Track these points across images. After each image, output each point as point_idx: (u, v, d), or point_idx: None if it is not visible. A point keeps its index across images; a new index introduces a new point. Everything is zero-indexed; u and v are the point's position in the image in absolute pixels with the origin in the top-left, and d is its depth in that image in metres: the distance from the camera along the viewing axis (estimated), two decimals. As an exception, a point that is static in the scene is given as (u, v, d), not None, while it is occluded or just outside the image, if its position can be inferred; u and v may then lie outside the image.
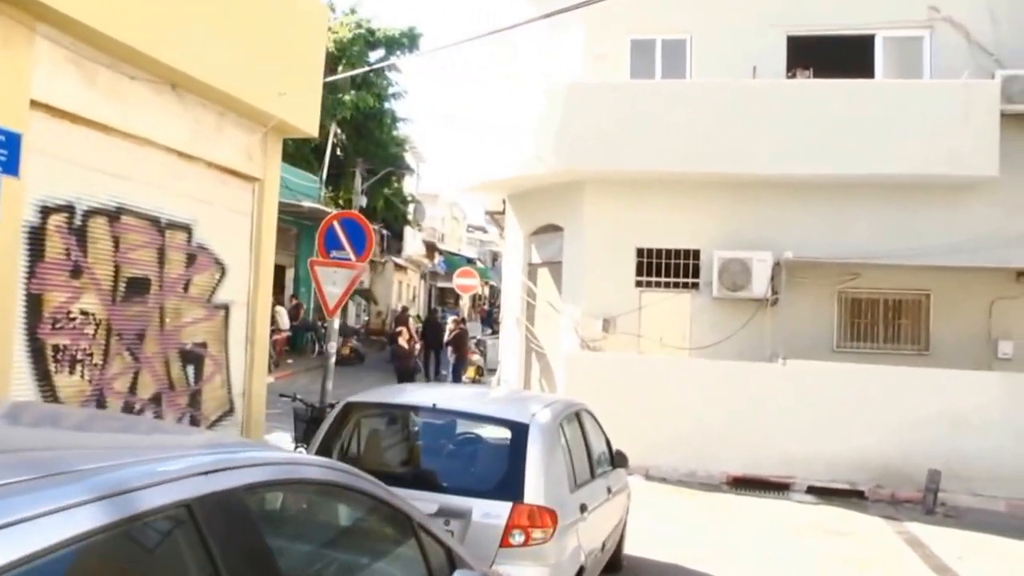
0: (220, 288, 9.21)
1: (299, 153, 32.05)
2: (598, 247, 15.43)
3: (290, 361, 25.41)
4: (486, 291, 57.49)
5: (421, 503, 5.74)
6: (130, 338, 7.78)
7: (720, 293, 14.50)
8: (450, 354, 19.70)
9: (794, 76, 15.26)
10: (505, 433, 6.38)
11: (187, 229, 8.61)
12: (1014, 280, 14.25)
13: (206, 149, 8.78)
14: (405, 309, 34.46)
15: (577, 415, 7.57)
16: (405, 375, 17.87)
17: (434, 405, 6.54)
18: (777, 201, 14.76)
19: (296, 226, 28.21)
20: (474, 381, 20.40)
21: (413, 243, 43.61)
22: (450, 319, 20.84)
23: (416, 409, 6.97)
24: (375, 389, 8.34)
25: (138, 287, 7.87)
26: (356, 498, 3.29)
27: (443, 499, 5.78)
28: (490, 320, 41.54)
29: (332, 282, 9.90)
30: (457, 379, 19.13)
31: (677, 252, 15.20)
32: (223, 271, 9.24)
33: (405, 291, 46.06)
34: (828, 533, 11.00)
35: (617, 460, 8.32)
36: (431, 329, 24.96)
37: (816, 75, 14.99)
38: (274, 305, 26.62)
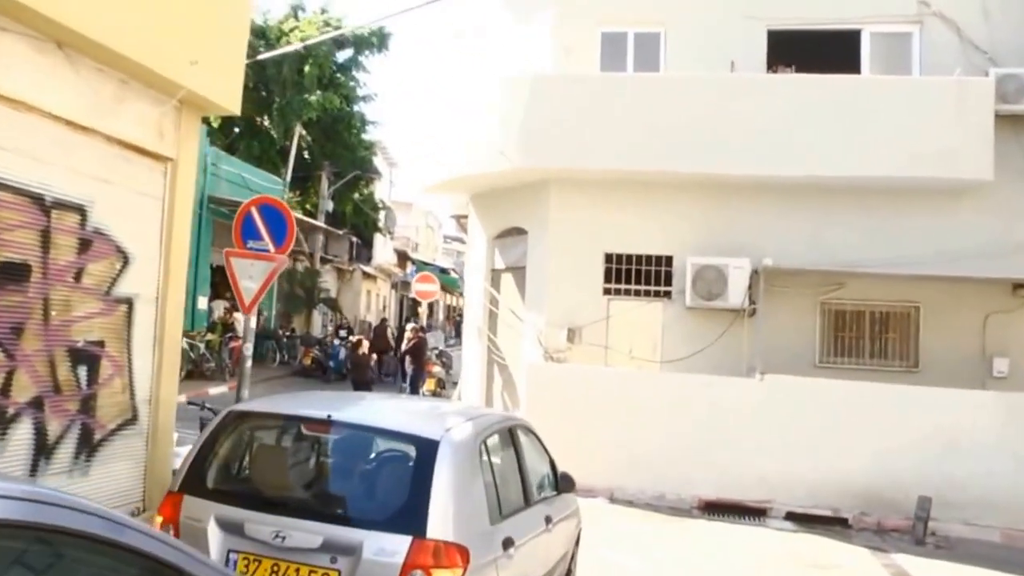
0: (121, 279, 8.07)
1: (265, 155, 31.14)
2: (564, 252, 14.44)
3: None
4: (461, 302, 56.51)
5: (303, 535, 4.71)
6: (3, 332, 6.69)
7: (694, 302, 13.51)
8: (407, 365, 18.55)
9: (775, 72, 14.31)
10: (410, 451, 5.32)
11: (80, 210, 7.49)
12: (1010, 292, 13.31)
13: (104, 121, 7.66)
14: (384, 320, 33.58)
15: (510, 432, 6.53)
16: (361, 386, 16.85)
17: (328, 417, 5.45)
18: (756, 205, 13.80)
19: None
20: (434, 394, 19.36)
21: (384, 251, 42.59)
22: (408, 327, 19.64)
23: (307, 421, 5.82)
24: (269, 396, 7.31)
25: (14, 273, 6.76)
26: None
27: (330, 531, 4.75)
28: (460, 330, 40.65)
29: (248, 276, 8.80)
30: (414, 392, 18.02)
31: (648, 258, 14.22)
32: (125, 260, 8.11)
33: (374, 301, 44.95)
34: (809, 566, 10.00)
35: (562, 484, 7.21)
36: (378, 338, 24.74)
37: (798, 72, 14.06)
38: (232, 311, 25.76)
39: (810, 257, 13.25)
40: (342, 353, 24.64)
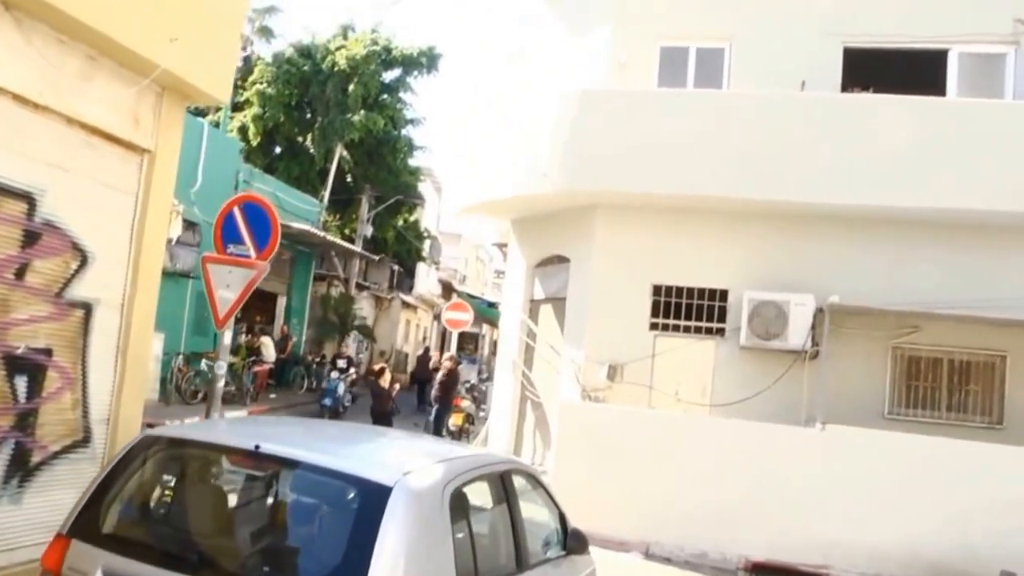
0: (77, 281, 7.05)
1: (304, 176, 30.35)
2: (608, 282, 13.23)
3: (273, 396, 23.43)
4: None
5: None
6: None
7: (750, 342, 12.17)
8: (434, 398, 17.10)
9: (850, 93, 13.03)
10: (354, 498, 4.13)
11: (27, 199, 6.50)
12: (1111, 344, 11.76)
13: (64, 100, 6.72)
14: (427, 351, 32.45)
15: (502, 478, 5.27)
16: (381, 418, 15.65)
17: (256, 448, 4.28)
18: (823, 236, 12.46)
19: (291, 251, 26.20)
20: (460, 430, 18.11)
21: (426, 281, 41.54)
22: (444, 359, 18.01)
23: (230, 452, 4.63)
24: (194, 421, 6.11)
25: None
26: None
27: None
28: None
29: (225, 284, 7.72)
30: (438, 429, 16.64)
31: (701, 292, 12.95)
32: (83, 259, 7.09)
33: (413, 331, 43.83)
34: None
35: (571, 544, 5.88)
36: (421, 366, 23.09)
37: (877, 93, 12.74)
38: (261, 335, 24.82)
39: (883, 296, 11.80)
40: (340, 388, 20.82)
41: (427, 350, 32.50)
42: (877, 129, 11.87)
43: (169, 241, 16.37)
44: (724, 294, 12.82)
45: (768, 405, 12.06)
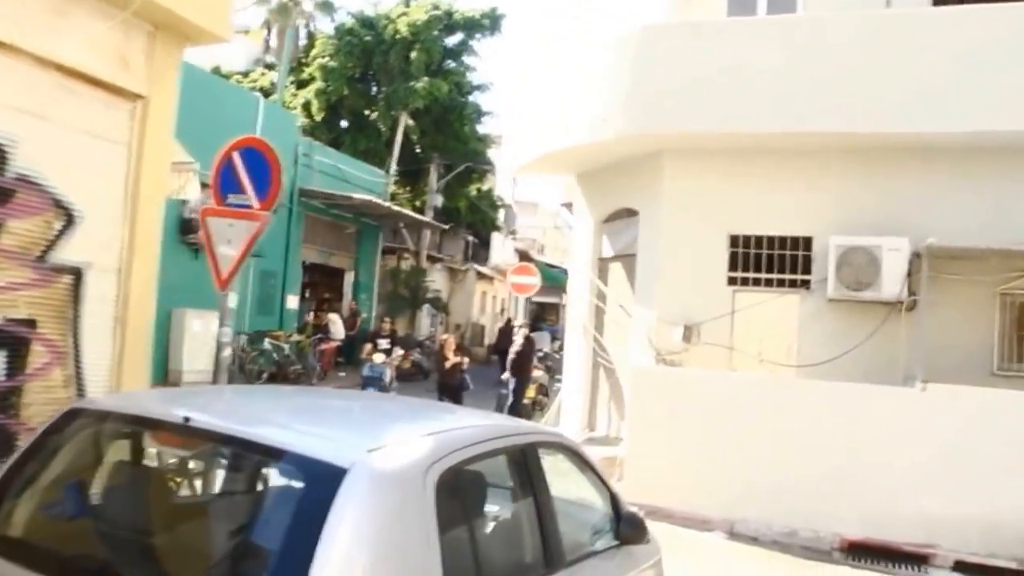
0: (63, 243, 6.26)
1: (371, 150, 29.62)
2: (680, 235, 12.11)
3: (342, 374, 22.77)
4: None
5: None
6: None
7: (838, 293, 10.93)
8: (510, 371, 15.82)
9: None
10: (298, 484, 3.17)
11: (-6, 150, 5.64)
12: None
13: (34, 38, 5.93)
14: (509, 321, 31.45)
15: (524, 454, 4.16)
16: (447, 392, 14.70)
17: (186, 420, 3.31)
18: (916, 171, 11.11)
19: (356, 223, 25.43)
20: (533, 403, 17.07)
21: (503, 251, 40.61)
22: (519, 330, 16.53)
23: (156, 427, 3.66)
24: (128, 391, 5.18)
25: None
26: None
27: None
28: None
29: (226, 240, 6.82)
30: (516, 404, 15.43)
31: (782, 240, 11.72)
32: (69, 219, 6.30)
33: (490, 303, 42.96)
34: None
35: (625, 531, 4.77)
36: (503, 336, 21.79)
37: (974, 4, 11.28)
38: (328, 312, 24.16)
39: (988, 235, 10.35)
40: (387, 375, 17.04)
41: (508, 321, 31.46)
42: (975, 47, 10.44)
43: (184, 203, 15.68)
44: (808, 242, 11.58)
45: (861, 364, 10.84)
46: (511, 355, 15.61)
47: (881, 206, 11.09)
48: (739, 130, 11.22)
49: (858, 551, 9.66)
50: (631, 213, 13.34)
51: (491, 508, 3.92)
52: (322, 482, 2.93)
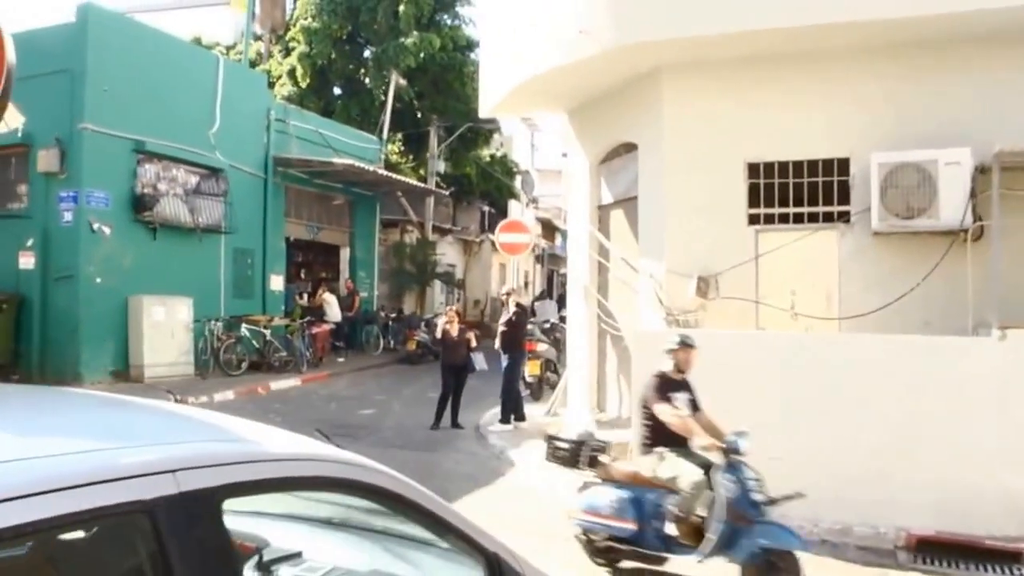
0: None
1: (365, 116, 27.66)
2: (687, 167, 10.19)
3: (341, 360, 20.89)
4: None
5: None
6: None
7: (885, 225, 8.89)
8: (500, 347, 13.67)
9: None
10: None
11: None
12: None
13: None
14: (509, 293, 29.40)
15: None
16: (451, 371, 12.70)
17: None
18: (973, 64, 9.05)
19: (346, 194, 23.39)
20: (539, 381, 14.94)
21: (522, 220, 38.65)
22: (510, 300, 14.26)
23: None
24: None
25: None
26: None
27: None
28: None
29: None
30: (510, 385, 13.18)
31: (812, 165, 9.71)
32: None
33: (510, 276, 41.08)
34: None
35: None
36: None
37: None
38: (323, 292, 22.19)
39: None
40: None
41: (543, 294, 29.40)
42: None
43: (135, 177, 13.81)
44: (844, 164, 9.53)
45: (918, 311, 8.83)
46: (500, 327, 13.53)
47: (933, 111, 9.03)
48: (745, 28, 9.11)
49: (929, 549, 7.54)
50: (630, 149, 11.36)
51: None
52: None
